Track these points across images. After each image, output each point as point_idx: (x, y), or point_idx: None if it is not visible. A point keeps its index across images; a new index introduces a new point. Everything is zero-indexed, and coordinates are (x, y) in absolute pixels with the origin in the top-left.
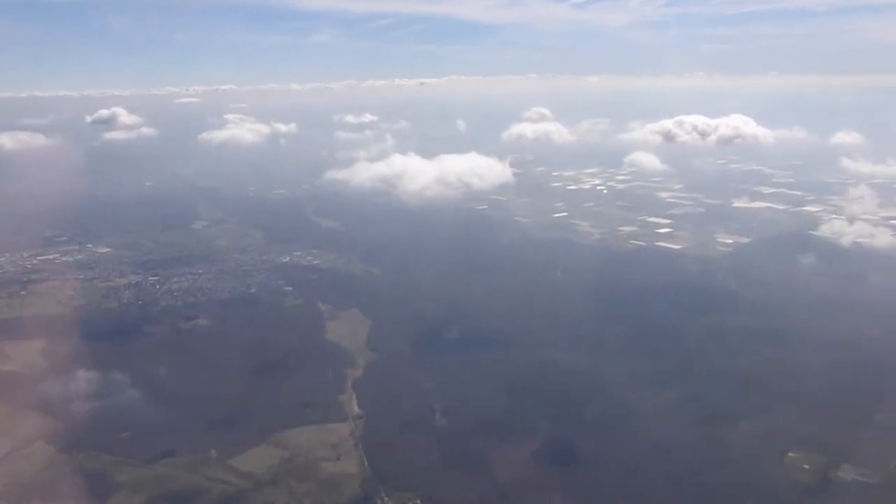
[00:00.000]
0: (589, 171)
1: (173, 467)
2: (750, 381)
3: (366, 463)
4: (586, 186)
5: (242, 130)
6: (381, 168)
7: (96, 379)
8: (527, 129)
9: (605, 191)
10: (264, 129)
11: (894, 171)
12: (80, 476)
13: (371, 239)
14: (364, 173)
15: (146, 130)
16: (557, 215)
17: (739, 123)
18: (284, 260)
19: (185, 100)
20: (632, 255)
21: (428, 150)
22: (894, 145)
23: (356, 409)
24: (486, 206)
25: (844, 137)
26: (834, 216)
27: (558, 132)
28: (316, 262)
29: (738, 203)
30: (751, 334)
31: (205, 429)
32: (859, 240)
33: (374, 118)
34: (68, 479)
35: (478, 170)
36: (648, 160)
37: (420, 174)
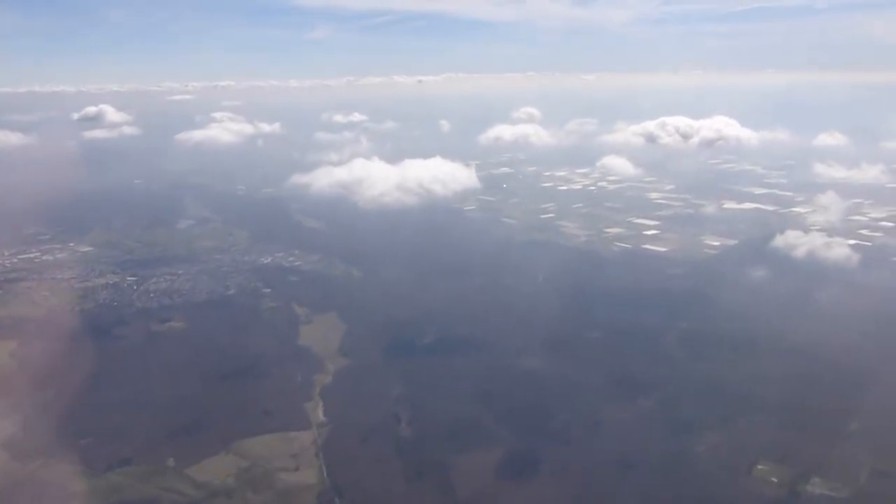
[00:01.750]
0: (581, 170)
1: (128, 476)
2: (723, 390)
3: (325, 474)
4: (577, 187)
5: (220, 131)
6: (342, 173)
7: (61, 383)
8: (505, 132)
9: (595, 191)
10: (248, 128)
11: (867, 177)
12: (32, 486)
13: (356, 240)
14: (325, 178)
15: (128, 129)
16: (545, 216)
17: (722, 125)
18: (266, 261)
19: (178, 97)
20: (616, 258)
21: (403, 153)
22: (878, 148)
23: (321, 417)
24: (474, 207)
25: (827, 139)
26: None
27: (537, 134)
28: (297, 263)
29: (728, 204)
30: (727, 341)
31: (165, 436)
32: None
33: (364, 118)
34: (19, 490)
35: (441, 175)
36: (620, 164)
37: (380, 180)
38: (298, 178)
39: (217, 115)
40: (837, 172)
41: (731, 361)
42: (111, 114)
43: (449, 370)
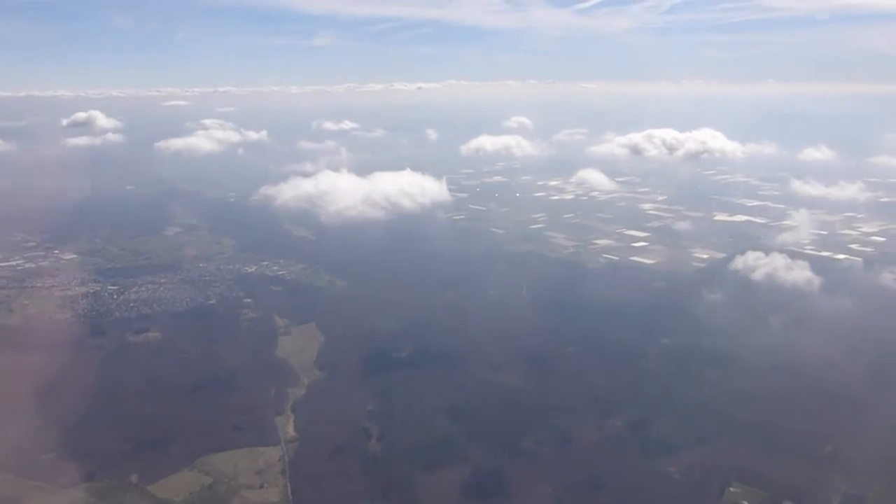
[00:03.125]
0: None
1: (90, 493)
2: (700, 408)
3: (289, 492)
4: (569, 197)
5: (202, 139)
6: (308, 186)
7: (28, 395)
8: (487, 143)
9: (586, 201)
10: (233, 136)
11: (844, 195)
12: None
13: (343, 250)
14: (291, 191)
15: (113, 136)
16: (534, 227)
17: (708, 138)
18: (250, 270)
19: (174, 102)
20: (601, 270)
21: (382, 164)
22: (865, 163)
23: (291, 432)
24: (463, 217)
25: (814, 153)
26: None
27: (519, 146)
28: (282, 272)
29: (720, 216)
30: (707, 358)
31: (131, 451)
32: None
33: (355, 125)
34: None
35: (409, 188)
36: (597, 177)
37: (345, 193)
38: (266, 190)
39: (207, 121)
40: (829, 187)
41: (711, 379)
42: (101, 120)
43: (424, 385)
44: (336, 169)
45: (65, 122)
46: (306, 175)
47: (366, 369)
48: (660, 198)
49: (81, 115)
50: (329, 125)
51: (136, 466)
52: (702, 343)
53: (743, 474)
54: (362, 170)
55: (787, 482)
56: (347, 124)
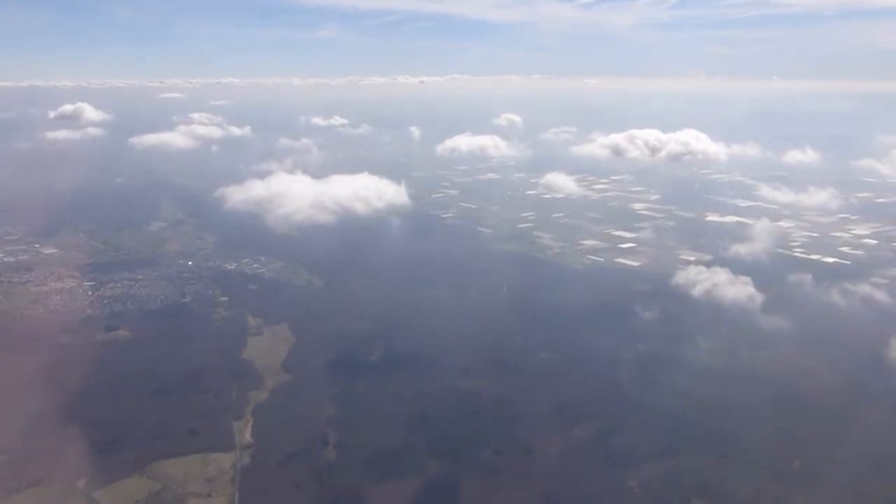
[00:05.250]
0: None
1: (33, 498)
2: (669, 419)
3: (236, 501)
4: (561, 195)
5: (178, 135)
6: (261, 188)
7: None
8: (461, 143)
9: (578, 200)
10: (216, 132)
11: (812, 203)
12: None
13: (326, 247)
14: (242, 193)
15: (93, 130)
16: (523, 225)
17: (691, 139)
18: (230, 267)
19: (169, 94)
20: (585, 272)
21: (353, 164)
22: (851, 166)
23: (247, 438)
24: (451, 215)
25: (798, 155)
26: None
27: (496, 146)
28: (261, 270)
29: (712, 217)
30: (682, 366)
31: (82, 455)
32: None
33: (344, 121)
34: None
35: (364, 192)
36: (562, 181)
37: (296, 196)
38: (222, 191)
39: (196, 115)
40: (784, 196)
41: (683, 388)
42: (88, 112)
43: (389, 390)
44: (293, 171)
45: (52, 114)
46: (262, 177)
47: (332, 373)
48: (652, 197)
49: (68, 108)
50: (318, 120)
51: (85, 471)
52: (678, 350)
53: (705, 489)
54: (329, 170)
55: (750, 498)
56: (337, 120)
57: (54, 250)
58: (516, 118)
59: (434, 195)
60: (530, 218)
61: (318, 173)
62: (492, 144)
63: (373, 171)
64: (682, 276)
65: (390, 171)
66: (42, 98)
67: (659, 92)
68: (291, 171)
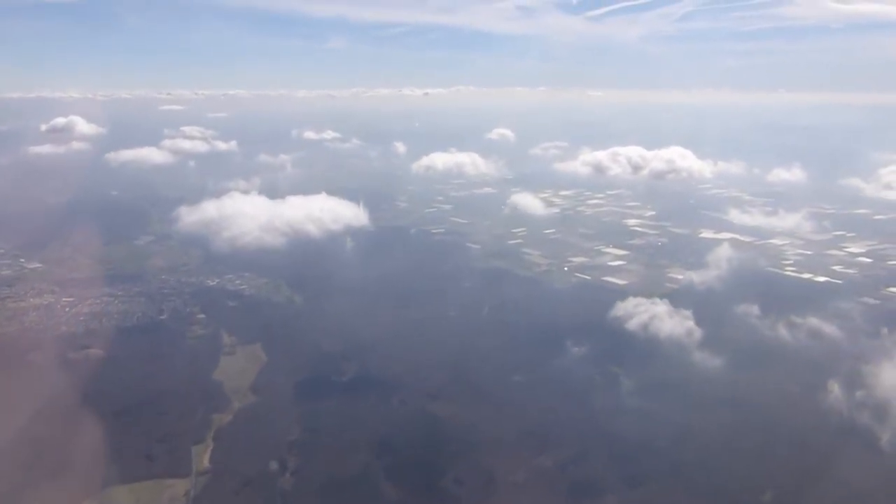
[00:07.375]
0: (565, 192)
1: None
2: (639, 447)
3: None
4: (554, 210)
5: (156, 150)
6: (212, 209)
7: None
8: (437, 161)
9: (572, 215)
10: (201, 146)
11: (783, 227)
12: None
13: (311, 264)
14: (193, 214)
15: (77, 145)
16: (512, 242)
17: (676, 156)
18: (211, 283)
19: (169, 107)
20: (570, 291)
21: (324, 183)
22: (836, 185)
23: (206, 463)
24: (443, 230)
25: (783, 174)
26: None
27: (473, 163)
28: (243, 287)
29: (705, 233)
30: (660, 391)
31: (33, 480)
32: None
33: (336, 135)
34: None
35: (319, 214)
36: (530, 202)
37: (246, 218)
38: (180, 212)
39: (187, 129)
40: (756, 219)
41: (658, 415)
42: (80, 125)
43: (356, 413)
44: (250, 191)
45: (44, 127)
46: (220, 196)
47: (300, 395)
48: (647, 213)
49: (60, 121)
50: (310, 134)
51: (35, 497)
52: (654, 374)
53: None
54: (294, 189)
55: None
56: (329, 134)
57: (38, 265)
58: (508, 133)
59: (384, 214)
60: (520, 234)
61: (278, 193)
62: (469, 162)
63: (339, 191)
64: (669, 295)
65: (358, 189)
66: (44, 110)
67: (664, 104)
68: (248, 192)
